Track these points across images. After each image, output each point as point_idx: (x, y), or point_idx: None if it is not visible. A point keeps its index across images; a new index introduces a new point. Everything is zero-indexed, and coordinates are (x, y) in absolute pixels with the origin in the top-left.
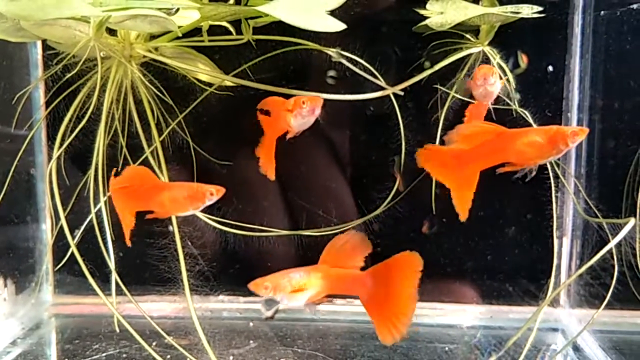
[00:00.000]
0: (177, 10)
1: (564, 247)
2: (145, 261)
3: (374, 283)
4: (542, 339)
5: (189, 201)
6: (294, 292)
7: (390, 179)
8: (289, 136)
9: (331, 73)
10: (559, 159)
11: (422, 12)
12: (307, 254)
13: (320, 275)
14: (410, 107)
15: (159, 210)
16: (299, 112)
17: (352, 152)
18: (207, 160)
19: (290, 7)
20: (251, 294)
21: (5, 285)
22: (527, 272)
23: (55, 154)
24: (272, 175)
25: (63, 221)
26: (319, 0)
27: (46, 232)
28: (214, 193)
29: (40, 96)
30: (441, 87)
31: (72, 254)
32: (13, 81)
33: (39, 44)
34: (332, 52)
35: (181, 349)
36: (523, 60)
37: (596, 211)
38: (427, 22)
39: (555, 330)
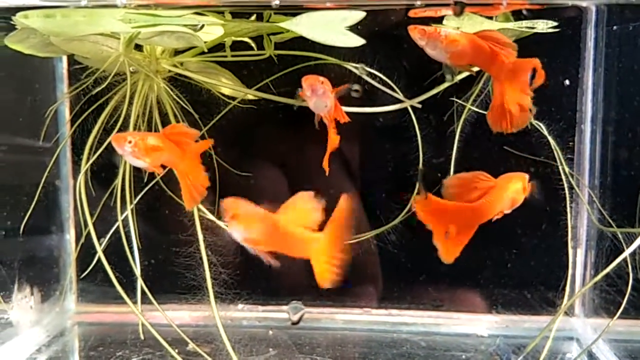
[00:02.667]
0: (202, 26)
1: (579, 257)
2: (165, 270)
3: None
4: (557, 348)
5: None
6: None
7: (408, 189)
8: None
9: (355, 87)
10: (572, 170)
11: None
12: None
13: None
14: (426, 119)
15: None
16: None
17: (364, 162)
18: (228, 171)
19: (311, 23)
20: (270, 302)
21: (32, 294)
22: (542, 282)
23: (84, 167)
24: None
25: (91, 229)
26: (338, 16)
27: (70, 241)
28: None
29: (66, 110)
30: (457, 100)
31: (97, 262)
32: (39, 95)
33: (65, 58)
34: (357, 67)
35: (206, 356)
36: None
37: (610, 221)
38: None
39: (570, 339)
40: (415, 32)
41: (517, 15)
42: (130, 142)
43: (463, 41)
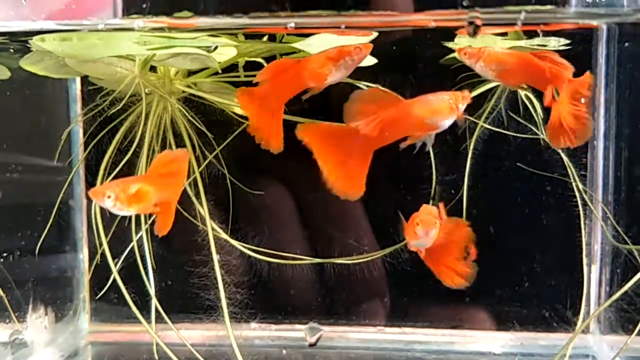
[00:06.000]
0: (216, 47)
1: (593, 274)
2: (176, 291)
3: None
4: None
5: None
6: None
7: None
8: (307, 95)
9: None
10: (585, 187)
11: (450, 45)
12: (336, 281)
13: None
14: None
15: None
16: (346, 61)
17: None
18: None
19: (323, 43)
20: (283, 321)
21: (46, 314)
22: (557, 299)
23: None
24: (279, 147)
25: (106, 248)
26: (349, 37)
27: (83, 261)
28: None
29: (79, 130)
30: (469, 117)
31: (112, 282)
32: (52, 116)
33: (78, 79)
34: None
35: None
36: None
37: (625, 237)
38: (455, 54)
39: (586, 356)
40: (460, 53)
41: (529, 33)
42: (109, 196)
43: (511, 60)
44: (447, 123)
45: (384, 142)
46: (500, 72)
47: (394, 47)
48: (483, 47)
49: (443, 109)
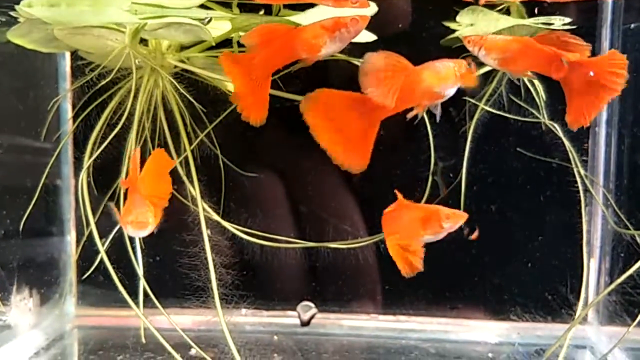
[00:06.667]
0: (210, 20)
1: (593, 262)
2: (165, 274)
3: None
4: (570, 356)
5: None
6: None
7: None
8: (297, 67)
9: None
10: (586, 173)
11: (450, 25)
12: (329, 266)
13: None
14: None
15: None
16: (341, 33)
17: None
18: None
19: (321, 17)
20: (275, 307)
21: (31, 296)
22: (555, 288)
23: (86, 163)
24: (261, 120)
25: (94, 229)
26: (349, 11)
27: (71, 243)
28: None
29: (68, 108)
30: (470, 99)
31: (98, 265)
32: (41, 92)
33: (68, 55)
34: None
35: None
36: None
37: (628, 224)
38: (457, 34)
39: (583, 347)
40: (465, 41)
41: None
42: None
43: (513, 47)
44: (452, 91)
45: (394, 111)
46: (502, 60)
47: (395, 24)
48: (485, 35)
49: (451, 75)
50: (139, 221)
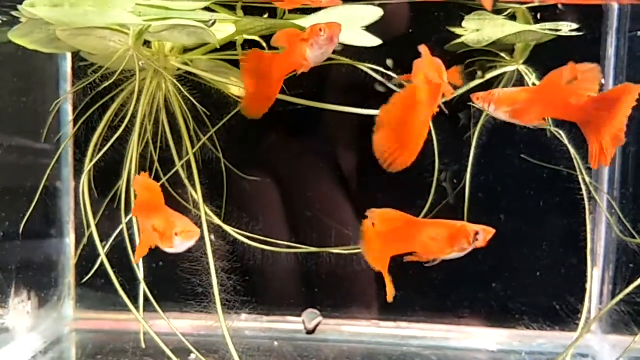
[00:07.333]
0: (215, 22)
1: (597, 271)
2: (165, 279)
3: None
4: None
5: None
6: None
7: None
8: (300, 71)
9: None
10: (591, 181)
11: (456, 31)
12: (330, 271)
13: None
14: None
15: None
16: (315, 41)
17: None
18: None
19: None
20: (275, 313)
21: (29, 299)
22: (558, 296)
23: (87, 165)
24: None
25: (94, 231)
26: (355, 16)
27: (70, 246)
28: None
29: (69, 109)
30: (475, 105)
31: (97, 268)
32: (42, 94)
33: (69, 57)
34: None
35: None
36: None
37: (633, 232)
38: (462, 39)
39: (585, 356)
40: (473, 98)
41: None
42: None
43: (521, 97)
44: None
45: None
46: (513, 112)
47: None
48: (492, 91)
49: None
50: (188, 230)
